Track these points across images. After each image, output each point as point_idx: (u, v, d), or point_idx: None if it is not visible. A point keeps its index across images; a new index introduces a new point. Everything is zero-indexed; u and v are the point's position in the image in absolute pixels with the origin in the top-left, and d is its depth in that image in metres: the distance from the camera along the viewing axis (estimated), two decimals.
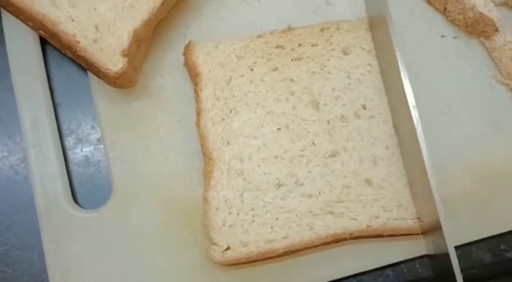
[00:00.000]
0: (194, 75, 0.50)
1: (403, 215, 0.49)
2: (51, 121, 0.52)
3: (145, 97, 0.52)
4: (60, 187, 0.50)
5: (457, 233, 0.49)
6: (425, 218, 0.48)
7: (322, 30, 0.52)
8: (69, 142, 0.53)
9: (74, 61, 0.52)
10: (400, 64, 0.48)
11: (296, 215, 0.48)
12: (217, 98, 0.50)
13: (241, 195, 0.48)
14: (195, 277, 0.49)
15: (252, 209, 0.48)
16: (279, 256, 0.48)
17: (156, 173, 0.51)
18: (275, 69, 0.51)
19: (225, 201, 0.48)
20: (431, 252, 0.49)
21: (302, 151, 0.50)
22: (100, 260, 0.50)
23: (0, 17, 0.53)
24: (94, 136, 0.53)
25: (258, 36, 0.51)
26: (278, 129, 0.50)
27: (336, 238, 0.48)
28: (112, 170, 0.51)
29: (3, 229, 0.51)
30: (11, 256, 0.51)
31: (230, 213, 0.48)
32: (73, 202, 0.51)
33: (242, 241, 0.47)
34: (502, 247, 0.51)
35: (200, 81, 0.50)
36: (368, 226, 0.48)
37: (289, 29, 0.52)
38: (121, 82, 0.48)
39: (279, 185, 0.49)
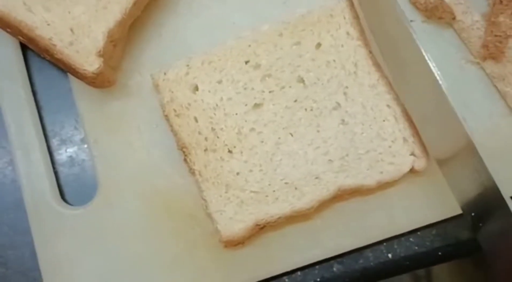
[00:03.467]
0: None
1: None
2: (35, 123, 0.53)
3: (125, 95, 0.54)
4: (47, 186, 0.52)
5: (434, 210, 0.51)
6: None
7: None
8: (54, 143, 0.55)
9: (54, 65, 0.53)
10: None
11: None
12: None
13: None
14: (180, 267, 0.51)
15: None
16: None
17: (139, 168, 0.52)
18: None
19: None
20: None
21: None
22: (89, 254, 0.51)
23: None
24: (78, 137, 0.55)
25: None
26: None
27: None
28: (97, 168, 0.52)
29: None
30: (2, 255, 0.52)
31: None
32: (60, 200, 0.52)
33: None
34: (480, 224, 0.52)
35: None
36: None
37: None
38: (99, 82, 0.49)
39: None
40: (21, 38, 0.51)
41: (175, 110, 0.51)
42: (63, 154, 0.54)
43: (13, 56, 0.54)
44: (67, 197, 0.54)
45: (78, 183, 0.54)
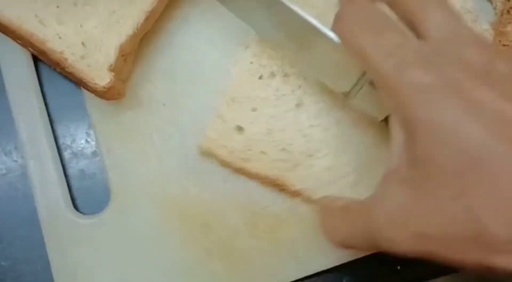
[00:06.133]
0: None
1: None
2: (48, 134, 0.53)
3: (137, 105, 0.53)
4: (60, 195, 0.52)
5: None
6: None
7: None
8: (65, 156, 0.54)
9: (66, 77, 0.53)
10: None
11: None
12: None
13: None
14: (194, 275, 0.51)
15: None
16: None
17: (152, 176, 0.52)
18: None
19: None
20: None
21: None
22: (104, 264, 0.51)
23: None
24: (89, 150, 0.55)
25: None
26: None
27: None
28: (109, 177, 0.52)
29: (6, 245, 0.53)
30: (16, 269, 0.52)
31: None
32: (73, 209, 0.52)
33: None
34: None
35: None
36: None
37: None
38: (109, 95, 0.49)
39: None
40: (31, 50, 0.51)
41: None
42: (74, 167, 0.54)
43: (25, 67, 0.54)
44: (79, 209, 0.54)
45: (90, 195, 0.54)
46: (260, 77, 0.52)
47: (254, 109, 0.52)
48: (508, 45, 0.53)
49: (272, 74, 0.52)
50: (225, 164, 0.52)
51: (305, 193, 0.51)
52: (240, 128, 0.51)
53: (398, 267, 0.53)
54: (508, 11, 0.54)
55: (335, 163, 0.51)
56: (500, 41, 0.53)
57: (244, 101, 0.52)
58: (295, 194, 0.51)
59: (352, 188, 0.51)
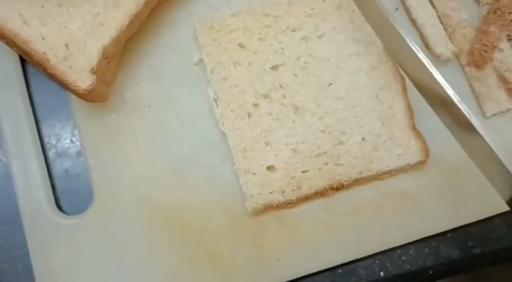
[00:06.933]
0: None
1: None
2: (32, 134, 0.53)
3: (122, 106, 0.53)
4: (43, 194, 0.52)
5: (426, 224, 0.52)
6: None
7: None
8: (49, 156, 0.54)
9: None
10: None
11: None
12: None
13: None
14: (177, 276, 0.51)
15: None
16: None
17: (135, 178, 0.52)
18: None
19: None
20: None
21: None
22: (86, 264, 0.51)
23: None
24: (73, 150, 0.55)
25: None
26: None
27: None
28: (93, 178, 0.52)
29: None
30: None
31: None
32: (56, 209, 0.52)
33: None
34: (469, 244, 0.53)
35: None
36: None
37: None
38: (91, 97, 0.49)
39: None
40: (16, 49, 0.51)
41: None
42: (58, 167, 0.54)
43: (12, 67, 0.54)
44: (63, 209, 0.53)
45: (73, 196, 0.54)
46: (249, 116, 0.52)
47: (267, 144, 0.52)
48: (487, 45, 0.53)
49: (255, 105, 0.52)
50: (283, 206, 0.52)
51: (363, 174, 0.51)
52: (270, 168, 0.51)
53: (381, 274, 0.53)
54: (495, 11, 0.54)
55: (360, 131, 0.52)
56: (481, 40, 0.54)
57: (253, 144, 0.52)
58: (357, 182, 0.52)
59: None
